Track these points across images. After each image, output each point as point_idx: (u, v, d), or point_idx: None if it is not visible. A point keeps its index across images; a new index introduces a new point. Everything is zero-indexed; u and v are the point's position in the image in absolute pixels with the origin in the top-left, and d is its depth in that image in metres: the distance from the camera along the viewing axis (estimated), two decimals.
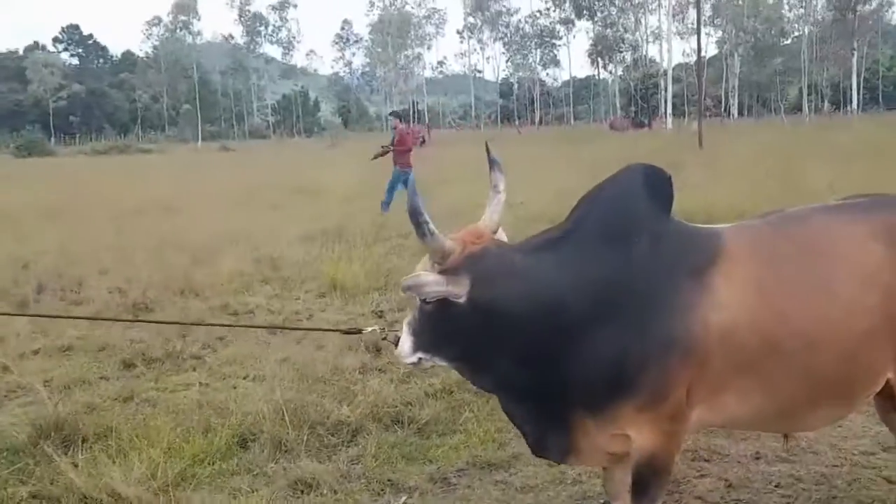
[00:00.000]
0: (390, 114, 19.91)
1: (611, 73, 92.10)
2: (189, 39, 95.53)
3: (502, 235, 3.13)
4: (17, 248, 12.00)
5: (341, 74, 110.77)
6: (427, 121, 72.97)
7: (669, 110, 47.80)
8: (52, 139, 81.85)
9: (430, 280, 2.83)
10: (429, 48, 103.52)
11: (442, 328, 2.92)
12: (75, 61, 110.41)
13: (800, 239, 3.05)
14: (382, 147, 16.73)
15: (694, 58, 69.36)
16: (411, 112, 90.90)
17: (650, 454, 2.96)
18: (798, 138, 33.36)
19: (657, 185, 3.03)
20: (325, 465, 4.37)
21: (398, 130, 16.53)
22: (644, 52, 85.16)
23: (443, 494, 4.10)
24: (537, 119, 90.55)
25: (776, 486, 4.00)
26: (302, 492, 4.10)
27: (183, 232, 13.22)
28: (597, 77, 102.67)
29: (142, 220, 15.49)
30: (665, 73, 50.53)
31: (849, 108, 64.57)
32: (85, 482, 4.03)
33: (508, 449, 4.53)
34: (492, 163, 3.10)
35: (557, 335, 2.89)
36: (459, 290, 2.83)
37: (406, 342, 3.00)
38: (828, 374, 2.94)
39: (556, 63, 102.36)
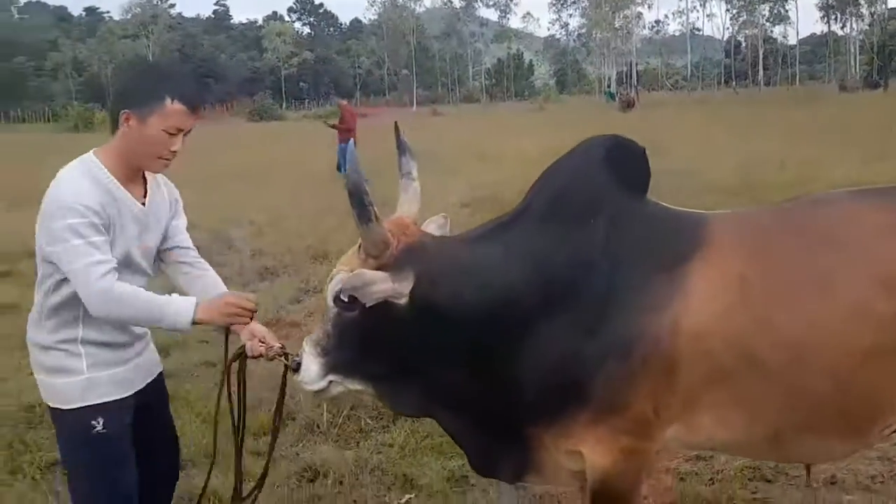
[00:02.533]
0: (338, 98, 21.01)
1: (848, 28, 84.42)
2: (410, 6, 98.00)
3: (447, 226, 2.75)
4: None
5: (557, 37, 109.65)
6: (637, 83, 70.30)
7: None
8: (284, 104, 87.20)
9: (377, 278, 2.42)
10: (648, 7, 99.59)
11: (367, 340, 2.52)
12: (307, 30, 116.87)
13: (805, 229, 2.43)
14: (331, 125, 16.90)
15: None
16: (628, 74, 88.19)
17: (604, 475, 2.50)
18: None
19: (625, 160, 2.54)
20: (347, 452, 4.17)
21: (342, 108, 16.67)
22: (885, 5, 77.12)
23: (454, 495, 3.78)
24: (761, 79, 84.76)
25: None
26: (309, 479, 3.93)
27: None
28: (836, 34, 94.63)
29: (318, 183, 16.00)
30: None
31: None
32: None
33: None
34: (401, 146, 2.69)
35: (506, 335, 2.49)
36: (404, 289, 2.44)
37: (312, 365, 2.53)
38: (823, 397, 2.33)
39: (786, 19, 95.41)
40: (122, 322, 2.51)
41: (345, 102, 17.26)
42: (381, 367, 2.57)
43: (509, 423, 2.59)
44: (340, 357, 2.54)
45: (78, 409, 2.51)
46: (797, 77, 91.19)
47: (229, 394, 2.75)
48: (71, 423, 2.53)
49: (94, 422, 2.51)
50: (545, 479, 2.71)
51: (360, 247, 2.53)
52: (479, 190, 13.59)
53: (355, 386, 2.61)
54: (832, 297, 2.31)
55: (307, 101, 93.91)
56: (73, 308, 2.48)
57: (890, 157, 15.37)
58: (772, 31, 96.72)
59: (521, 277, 2.46)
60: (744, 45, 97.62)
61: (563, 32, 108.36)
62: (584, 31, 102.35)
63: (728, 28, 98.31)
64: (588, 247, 2.45)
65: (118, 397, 2.57)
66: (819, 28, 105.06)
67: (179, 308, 2.46)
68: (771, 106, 36.47)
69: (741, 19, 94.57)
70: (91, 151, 2.53)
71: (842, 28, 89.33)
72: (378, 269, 2.45)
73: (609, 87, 69.09)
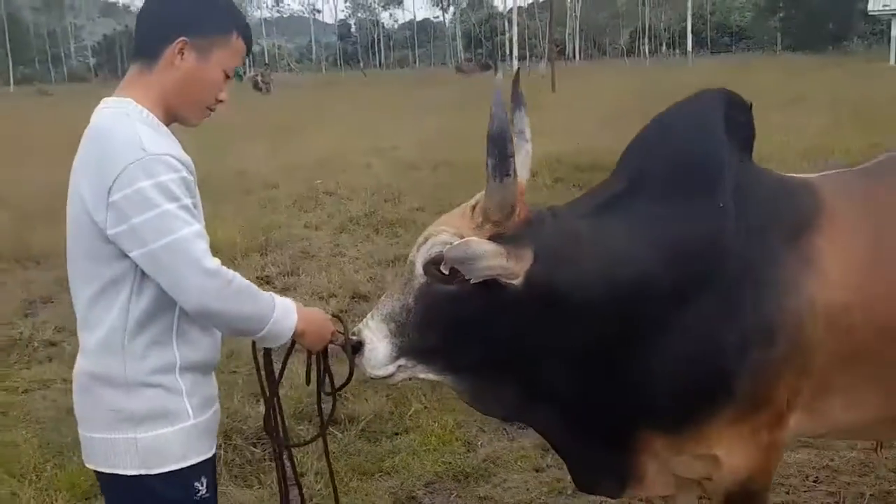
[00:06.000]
0: None
1: (452, 14, 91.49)
2: None
3: None
4: None
5: None
6: (266, 63, 69.24)
7: (515, 53, 47.39)
8: None
9: (488, 251, 1.94)
10: None
11: (462, 323, 2.03)
12: None
13: None
14: None
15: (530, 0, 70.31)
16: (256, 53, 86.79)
17: (746, 477, 2.23)
18: (646, 80, 33.93)
19: (739, 118, 2.27)
20: (253, 490, 3.40)
21: None
22: None
23: None
24: (379, 62, 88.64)
25: (815, 482, 3.37)
26: None
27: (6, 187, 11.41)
28: (433, 19, 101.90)
29: None
30: (510, 13, 49.75)
31: (678, 50, 66.71)
32: None
33: (480, 451, 3.71)
34: (516, 99, 2.24)
35: (634, 327, 2.11)
36: (519, 268, 1.97)
37: (380, 347, 2.06)
38: None
39: (399, 3, 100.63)
40: (224, 324, 1.82)
41: None
42: (473, 357, 2.10)
43: (620, 427, 2.22)
44: (420, 339, 2.05)
45: (179, 470, 1.81)
46: (409, 61, 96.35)
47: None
48: (162, 491, 1.80)
49: (197, 483, 1.85)
50: (647, 488, 2.37)
51: (474, 206, 2.04)
52: None
53: (428, 375, 2.14)
54: None
55: None
56: (165, 315, 1.80)
57: (547, 132, 16.61)
58: (387, 16, 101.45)
59: (653, 258, 2.10)
60: (354, 27, 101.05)
61: None
62: None
63: (343, 11, 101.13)
64: (718, 220, 2.14)
65: (214, 450, 1.94)
66: (420, 14, 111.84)
67: (286, 308, 1.85)
68: (406, 87, 38.07)
69: (356, 2, 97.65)
70: (116, 97, 1.84)
71: (445, 12, 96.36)
72: (493, 237, 1.98)
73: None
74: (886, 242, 2.23)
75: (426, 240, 2.04)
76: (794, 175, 2.41)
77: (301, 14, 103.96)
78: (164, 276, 1.72)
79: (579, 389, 2.16)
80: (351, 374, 2.07)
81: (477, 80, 42.62)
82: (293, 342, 1.94)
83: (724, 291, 2.12)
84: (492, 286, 1.98)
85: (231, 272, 1.76)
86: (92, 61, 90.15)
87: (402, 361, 2.08)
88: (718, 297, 2.11)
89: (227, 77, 1.94)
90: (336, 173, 11.83)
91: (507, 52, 49.87)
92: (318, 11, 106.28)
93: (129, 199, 1.70)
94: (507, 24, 49.33)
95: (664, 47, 75.78)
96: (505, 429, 3.87)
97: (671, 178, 2.17)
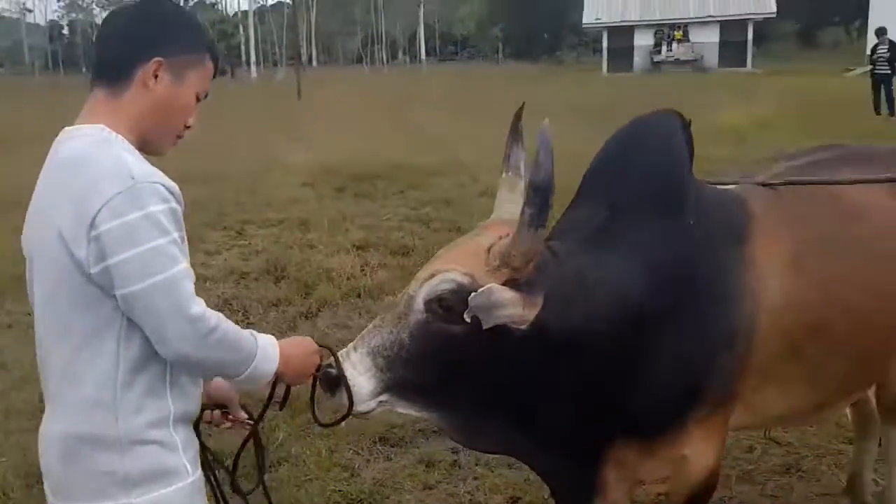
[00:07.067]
0: None
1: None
2: None
3: None
4: None
5: None
6: None
7: (254, 58, 46.36)
8: None
9: (509, 299, 1.92)
10: None
11: (460, 363, 2.01)
12: None
13: (824, 198, 2.60)
14: None
15: (262, 4, 69.28)
16: None
17: (709, 471, 2.39)
18: (389, 86, 34.59)
19: (687, 137, 2.41)
20: None
21: None
22: None
23: None
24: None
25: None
26: None
27: None
28: None
29: None
30: (242, 16, 48.49)
31: (408, 57, 68.78)
32: None
33: (363, 474, 3.62)
34: (517, 133, 2.26)
35: (625, 356, 2.19)
36: (531, 314, 1.96)
37: (361, 381, 1.97)
38: (873, 356, 2.58)
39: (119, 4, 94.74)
40: (201, 371, 1.71)
41: None
42: (464, 396, 2.09)
43: (598, 445, 2.31)
44: (410, 376, 2.01)
45: None
46: None
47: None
48: None
49: None
50: (608, 496, 2.45)
51: (489, 249, 2.02)
52: None
53: (409, 411, 2.10)
54: (875, 261, 2.51)
55: None
56: (157, 362, 1.64)
57: (305, 140, 16.43)
58: (98, 18, 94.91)
59: (644, 290, 2.19)
60: (66, 29, 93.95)
61: None
62: None
63: (56, 11, 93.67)
64: (689, 239, 2.28)
65: None
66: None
67: (267, 351, 1.71)
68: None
69: (72, 3, 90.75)
70: (87, 125, 1.67)
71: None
72: (508, 283, 1.97)
73: None
74: (808, 245, 2.43)
75: (432, 276, 1.96)
76: (722, 186, 2.58)
77: (9, 14, 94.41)
78: (145, 318, 1.56)
79: (569, 419, 2.21)
80: (349, 410, 1.95)
81: (213, 84, 41.19)
82: None
83: (696, 306, 2.25)
84: (497, 329, 1.95)
85: (215, 316, 1.61)
86: None
87: (384, 397, 2.01)
88: (692, 312, 2.25)
89: (198, 100, 1.79)
90: None
91: (243, 57, 48.56)
92: (30, 11, 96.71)
93: (113, 233, 1.52)
94: (241, 28, 47.97)
95: (400, 54, 77.82)
96: (379, 449, 3.82)
97: (648, 201, 2.25)
